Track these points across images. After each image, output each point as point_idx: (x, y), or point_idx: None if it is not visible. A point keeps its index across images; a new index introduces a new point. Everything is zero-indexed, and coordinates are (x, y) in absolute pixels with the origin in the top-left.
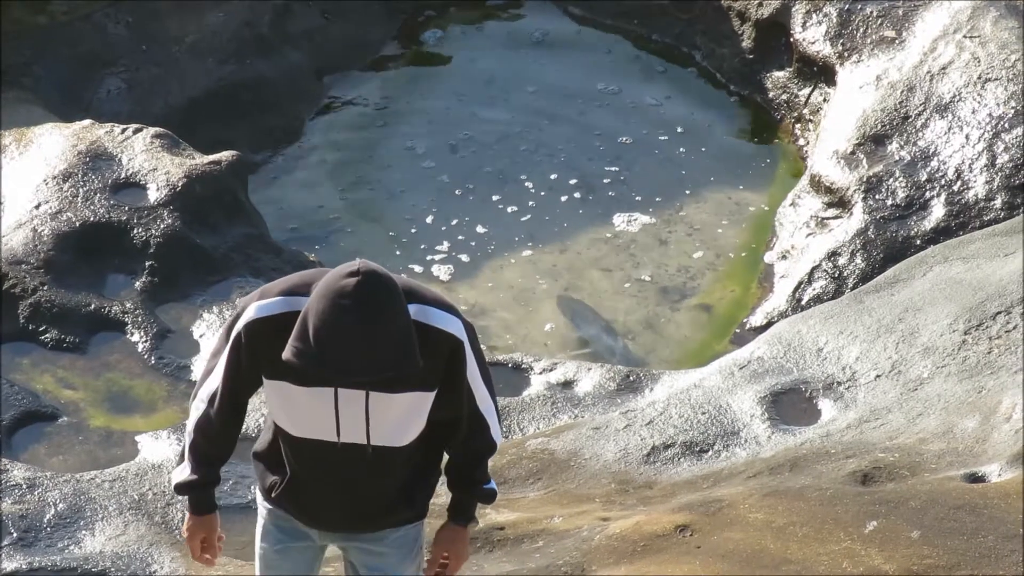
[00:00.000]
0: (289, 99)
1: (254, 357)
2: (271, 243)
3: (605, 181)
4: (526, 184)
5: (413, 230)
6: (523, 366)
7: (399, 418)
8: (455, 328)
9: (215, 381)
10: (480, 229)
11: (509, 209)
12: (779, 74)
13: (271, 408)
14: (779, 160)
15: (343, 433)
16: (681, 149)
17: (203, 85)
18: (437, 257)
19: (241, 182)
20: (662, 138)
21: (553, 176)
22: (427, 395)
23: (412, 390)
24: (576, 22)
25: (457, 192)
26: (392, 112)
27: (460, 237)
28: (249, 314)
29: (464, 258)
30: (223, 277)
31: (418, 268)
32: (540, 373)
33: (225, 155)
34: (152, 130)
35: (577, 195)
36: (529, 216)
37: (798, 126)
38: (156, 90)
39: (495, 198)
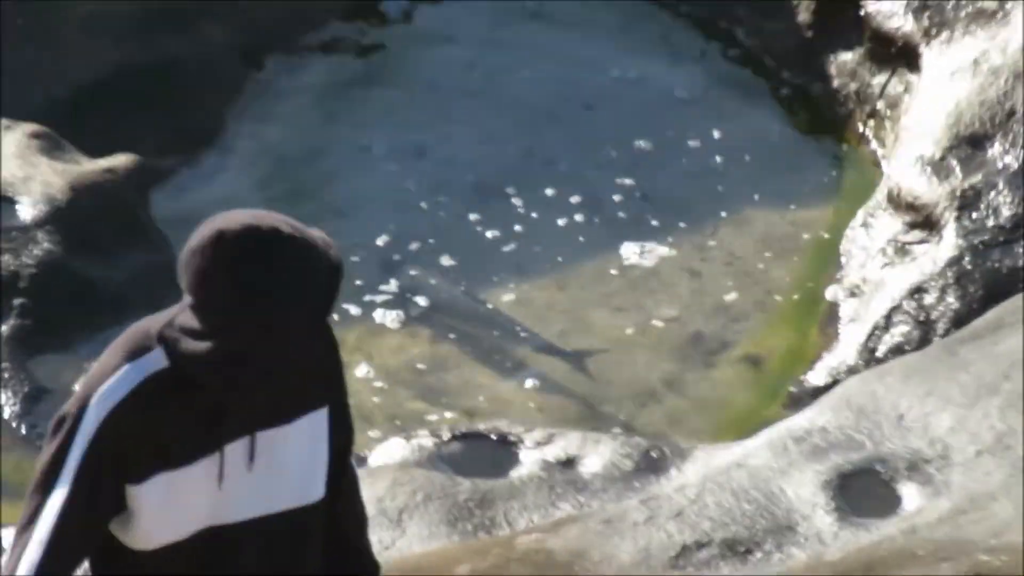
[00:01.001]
0: (207, 88)
1: (121, 463)
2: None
3: (617, 198)
4: (514, 200)
5: (357, 257)
6: (510, 439)
7: (301, 458)
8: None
9: (51, 529)
10: (449, 258)
11: (490, 233)
12: (846, 57)
13: (134, 532)
14: (845, 169)
15: (241, 506)
16: (717, 157)
17: (95, 70)
18: (381, 297)
19: (142, 195)
20: (692, 143)
21: (549, 191)
22: (322, 415)
23: (305, 411)
24: None
25: (423, 206)
26: (342, 104)
27: (418, 268)
28: (98, 409)
29: (420, 301)
30: (117, 320)
31: (355, 310)
32: (533, 447)
33: (122, 160)
34: (27, 127)
35: (581, 216)
36: (517, 242)
37: (870, 124)
38: (34, 77)
39: (472, 217)
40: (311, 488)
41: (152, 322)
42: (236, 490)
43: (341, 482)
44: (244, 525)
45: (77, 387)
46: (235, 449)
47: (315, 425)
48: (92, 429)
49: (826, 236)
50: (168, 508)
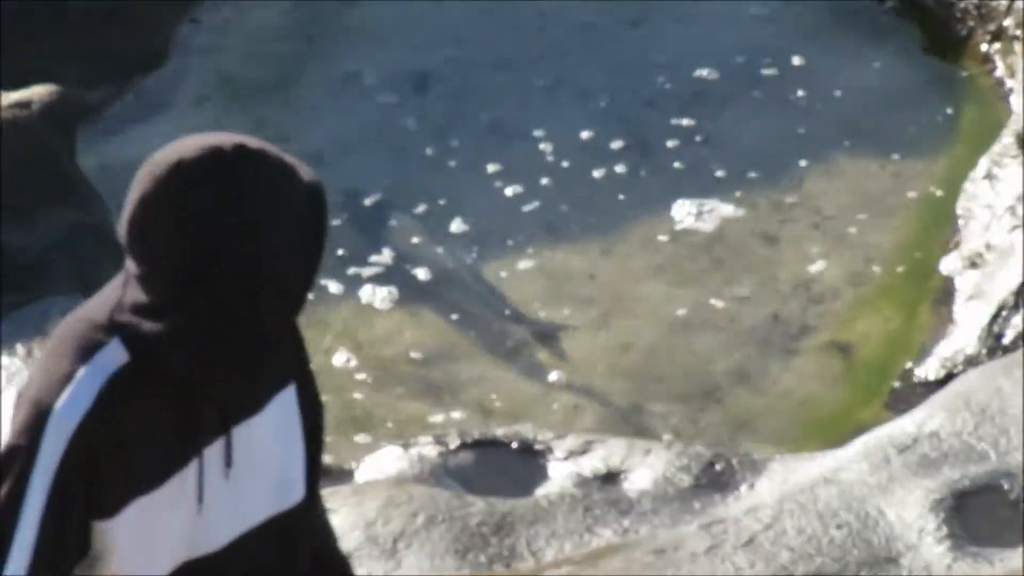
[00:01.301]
0: (140, 1)
1: (92, 496)
2: (114, 237)
3: (671, 142)
4: (541, 144)
5: (339, 220)
6: (535, 447)
7: (274, 454)
8: None
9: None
10: (459, 220)
11: (511, 187)
12: None
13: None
14: (964, 104)
15: (221, 528)
16: (800, 91)
17: None
18: (371, 270)
19: (65, 138)
20: (768, 71)
21: (585, 133)
22: (290, 394)
23: (273, 393)
24: None
25: (427, 153)
26: (322, 20)
27: (418, 233)
28: (58, 433)
29: (419, 274)
30: (37, 294)
31: (336, 287)
32: (564, 458)
33: (39, 92)
34: None
35: (625, 164)
36: (544, 198)
37: (995, 47)
38: None
39: (490, 168)
40: (290, 488)
41: (93, 310)
42: (214, 507)
43: (317, 475)
44: (225, 552)
45: (16, 407)
46: (211, 455)
47: (285, 409)
48: (54, 461)
49: (938, 191)
50: (142, 544)
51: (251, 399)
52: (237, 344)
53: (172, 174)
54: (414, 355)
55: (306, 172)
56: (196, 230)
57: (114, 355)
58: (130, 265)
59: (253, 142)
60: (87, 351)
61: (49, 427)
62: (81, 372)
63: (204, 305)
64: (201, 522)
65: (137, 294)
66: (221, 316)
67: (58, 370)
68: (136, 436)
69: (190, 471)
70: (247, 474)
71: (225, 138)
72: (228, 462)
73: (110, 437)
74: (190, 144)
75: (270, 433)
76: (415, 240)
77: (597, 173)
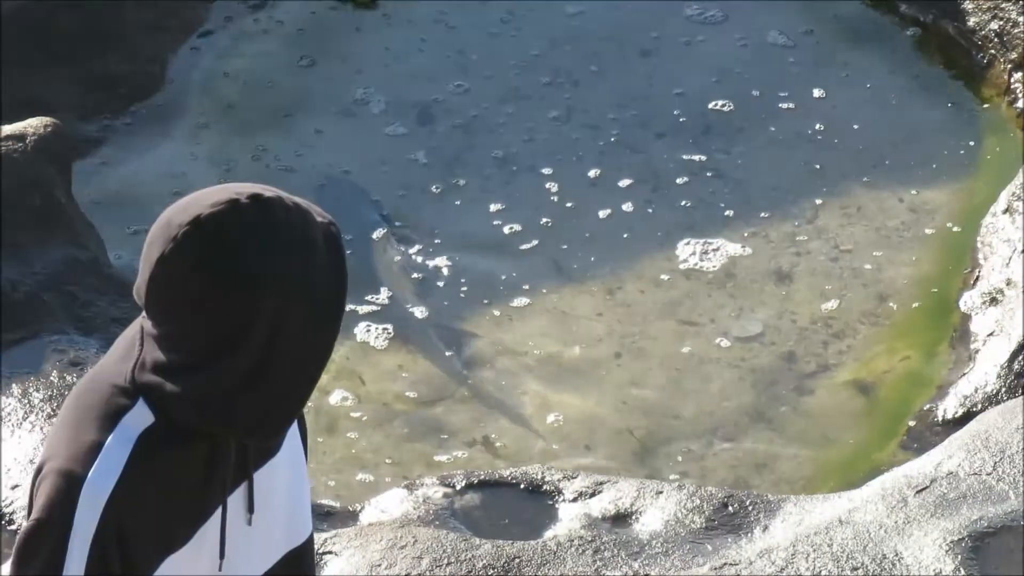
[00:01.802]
0: (144, 28)
1: (128, 566)
2: (110, 273)
3: (683, 176)
4: (549, 180)
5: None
6: (543, 488)
7: (288, 491)
8: None
9: None
10: (465, 257)
11: (517, 224)
12: None
13: None
14: (984, 136)
15: (250, 566)
16: (817, 124)
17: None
18: (369, 308)
19: (61, 171)
20: (784, 104)
21: (595, 168)
22: (294, 429)
23: (286, 432)
24: None
25: (433, 188)
26: (326, 46)
27: (419, 269)
28: (92, 504)
29: (419, 312)
30: (29, 333)
31: None
32: (574, 500)
33: (33, 124)
34: None
35: (635, 199)
36: (553, 234)
37: (1017, 76)
38: None
39: (496, 205)
40: (302, 524)
41: (111, 372)
42: (236, 553)
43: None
44: None
45: (42, 478)
46: (234, 502)
47: (293, 444)
48: (90, 532)
49: (958, 226)
50: None
51: (272, 443)
52: (265, 401)
53: (190, 232)
54: (416, 393)
55: (320, 215)
56: (219, 288)
57: (139, 418)
58: (149, 324)
59: (268, 191)
60: (112, 417)
61: (82, 499)
62: (109, 440)
63: (229, 363)
64: (225, 568)
65: (157, 353)
66: (248, 373)
67: (85, 439)
68: (165, 495)
69: (213, 521)
70: (265, 516)
71: (239, 189)
72: (250, 507)
73: (141, 501)
74: (204, 199)
75: (286, 472)
76: (416, 276)
77: (606, 209)
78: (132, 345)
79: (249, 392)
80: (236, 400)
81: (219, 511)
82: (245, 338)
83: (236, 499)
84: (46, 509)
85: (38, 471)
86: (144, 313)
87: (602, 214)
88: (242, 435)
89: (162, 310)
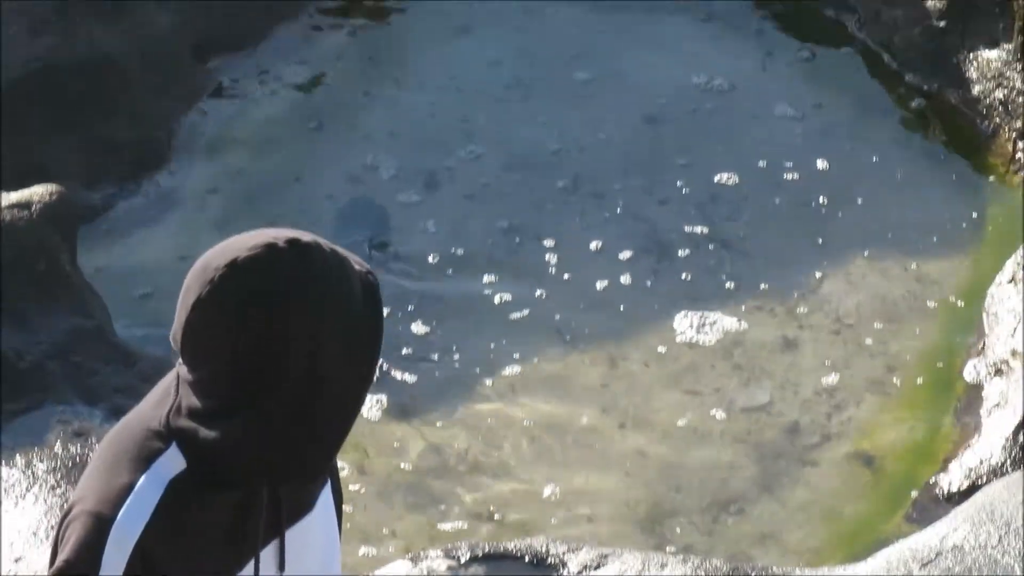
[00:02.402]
0: (150, 93)
1: None
2: (115, 342)
3: (687, 246)
4: (549, 253)
5: None
6: (549, 560)
7: (321, 547)
8: None
9: None
10: (467, 328)
11: (521, 294)
12: (990, 55)
13: None
14: (989, 205)
15: None
16: (821, 197)
17: (3, 71)
18: (388, 367)
19: (67, 239)
20: (790, 176)
21: (595, 242)
22: (327, 488)
23: (322, 488)
24: None
25: (434, 260)
26: (333, 112)
27: (420, 342)
28: (120, 547)
29: (436, 372)
30: (33, 403)
31: None
32: (579, 572)
33: (39, 192)
34: None
35: (640, 269)
36: (557, 303)
37: (1022, 144)
38: None
39: (500, 275)
40: (335, 564)
41: (146, 417)
42: None
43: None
44: None
45: (73, 519)
46: (265, 557)
47: (326, 504)
48: (117, 575)
49: (963, 296)
50: None
51: (301, 500)
52: (298, 448)
53: (227, 275)
54: (419, 465)
55: (358, 263)
56: (255, 331)
57: (172, 462)
58: (183, 370)
59: (305, 236)
60: (145, 460)
61: (111, 541)
62: (140, 482)
63: (264, 409)
64: None
65: (192, 399)
66: (282, 419)
67: (117, 481)
68: (195, 542)
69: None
70: (296, 573)
71: (276, 234)
72: (281, 565)
73: (170, 545)
74: (241, 243)
75: (318, 532)
76: (418, 348)
77: (612, 280)
78: (168, 391)
79: (283, 439)
80: (269, 447)
81: (251, 565)
82: (280, 384)
83: (267, 555)
84: (75, 550)
85: (66, 514)
86: (180, 359)
87: (603, 284)
88: (274, 483)
89: (198, 355)
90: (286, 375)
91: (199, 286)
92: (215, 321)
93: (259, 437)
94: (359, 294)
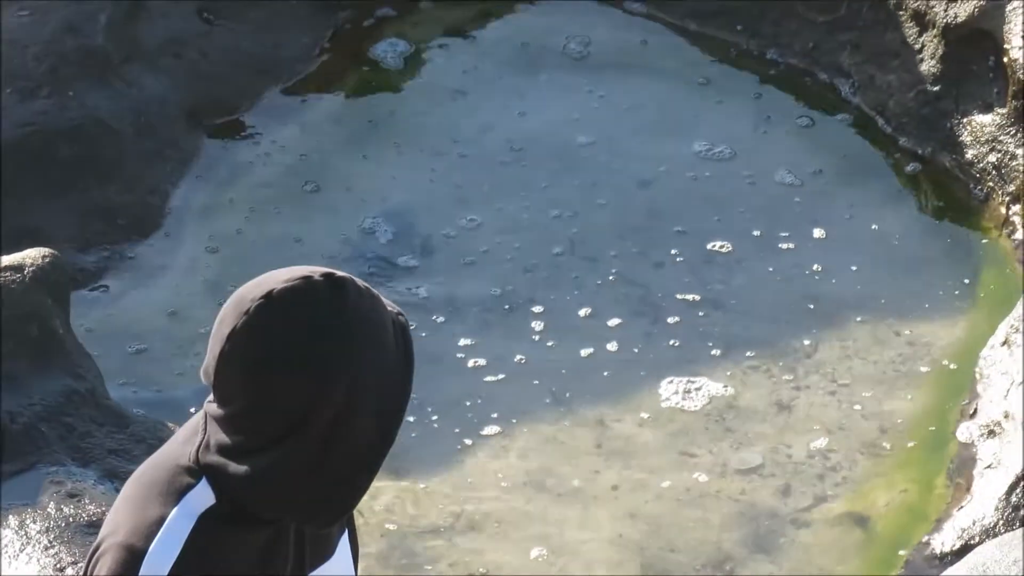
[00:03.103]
0: (143, 157)
1: None
2: (108, 404)
3: (679, 310)
4: (538, 318)
5: None
6: None
7: None
8: None
9: None
10: (460, 396)
11: (514, 355)
12: (983, 119)
13: None
14: (982, 269)
15: None
16: (816, 265)
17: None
18: None
19: (58, 301)
20: (784, 245)
21: (585, 309)
22: (345, 537)
23: (343, 533)
24: (642, 28)
25: (436, 319)
26: (326, 174)
27: (422, 393)
28: (155, 571)
29: (423, 431)
30: (27, 465)
31: None
32: None
33: (32, 256)
34: None
35: (632, 332)
36: (549, 367)
37: (1016, 208)
38: None
39: (492, 343)
40: None
41: (175, 453)
42: None
43: None
44: None
45: (104, 553)
46: None
47: (344, 553)
48: None
49: (955, 358)
50: None
51: (324, 542)
52: (327, 487)
53: (263, 306)
54: (416, 527)
55: (390, 304)
56: (290, 363)
57: (202, 497)
58: (212, 407)
59: (339, 272)
60: (176, 494)
61: (143, 572)
62: (172, 515)
63: (295, 445)
64: None
65: (221, 435)
66: (313, 457)
67: (148, 514)
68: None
69: None
70: None
71: (311, 269)
72: None
73: None
74: (277, 276)
75: (339, 565)
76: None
77: (604, 343)
78: (196, 428)
79: (312, 476)
80: (299, 484)
81: None
82: (314, 418)
83: None
84: None
85: (95, 548)
86: (210, 396)
87: (595, 347)
88: (302, 520)
89: (230, 388)
90: (321, 409)
91: (234, 318)
92: (250, 352)
93: (289, 474)
94: (391, 332)
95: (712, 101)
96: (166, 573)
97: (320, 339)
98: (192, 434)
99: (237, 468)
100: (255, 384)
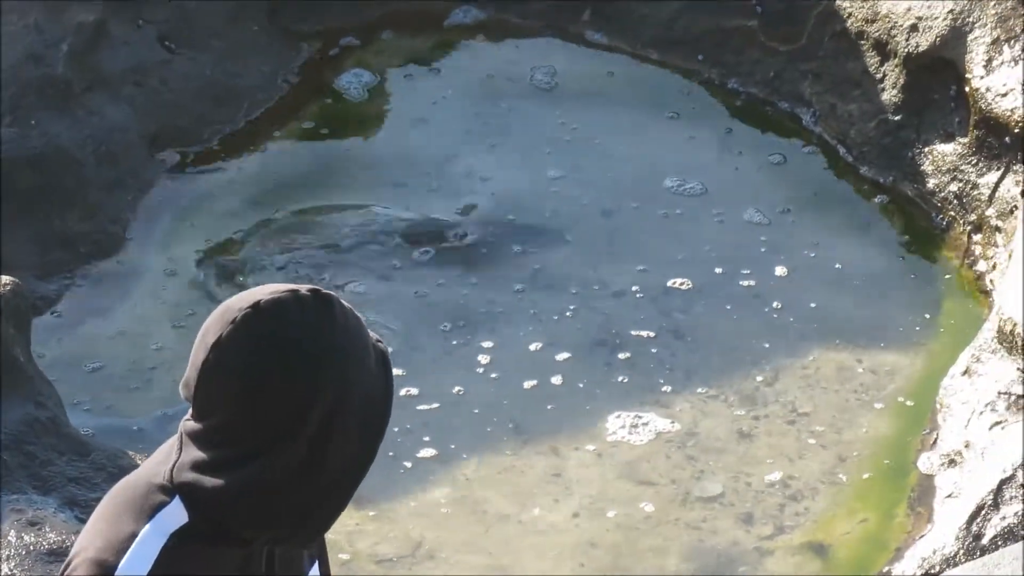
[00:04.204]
0: (104, 186)
1: None
2: (69, 432)
3: (642, 341)
4: (486, 342)
5: None
6: None
7: None
8: None
9: None
10: (417, 422)
11: (469, 382)
12: (945, 148)
13: None
14: (944, 298)
15: None
16: (775, 303)
17: None
18: None
19: (19, 328)
20: (746, 283)
21: (538, 344)
22: (315, 568)
23: (312, 559)
24: (605, 59)
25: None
26: (284, 204)
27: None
28: None
29: (376, 471)
30: None
31: None
32: None
33: None
34: None
35: (591, 362)
36: (508, 394)
37: (977, 238)
38: None
39: (448, 372)
40: None
41: (150, 471)
42: None
43: None
44: None
45: (75, 568)
46: None
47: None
48: None
49: (917, 388)
50: None
51: (299, 570)
52: (302, 505)
53: (250, 314)
54: (379, 553)
55: (371, 332)
56: (276, 371)
57: (175, 515)
58: (189, 424)
59: (324, 289)
60: (149, 511)
61: None
62: (143, 532)
63: (275, 460)
64: None
65: (196, 452)
66: (291, 473)
67: (120, 530)
68: None
69: None
70: None
71: (297, 285)
72: None
73: None
74: (263, 290)
75: None
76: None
77: (562, 373)
78: (172, 448)
79: (293, 490)
80: (279, 497)
81: None
82: (297, 429)
83: None
84: None
85: (67, 565)
86: (187, 414)
87: (553, 378)
88: (279, 536)
89: (212, 399)
90: (305, 420)
91: (219, 327)
92: (235, 361)
93: (270, 486)
94: (373, 355)
95: (684, 135)
96: None
97: (308, 349)
98: (168, 454)
99: (212, 482)
100: (239, 393)
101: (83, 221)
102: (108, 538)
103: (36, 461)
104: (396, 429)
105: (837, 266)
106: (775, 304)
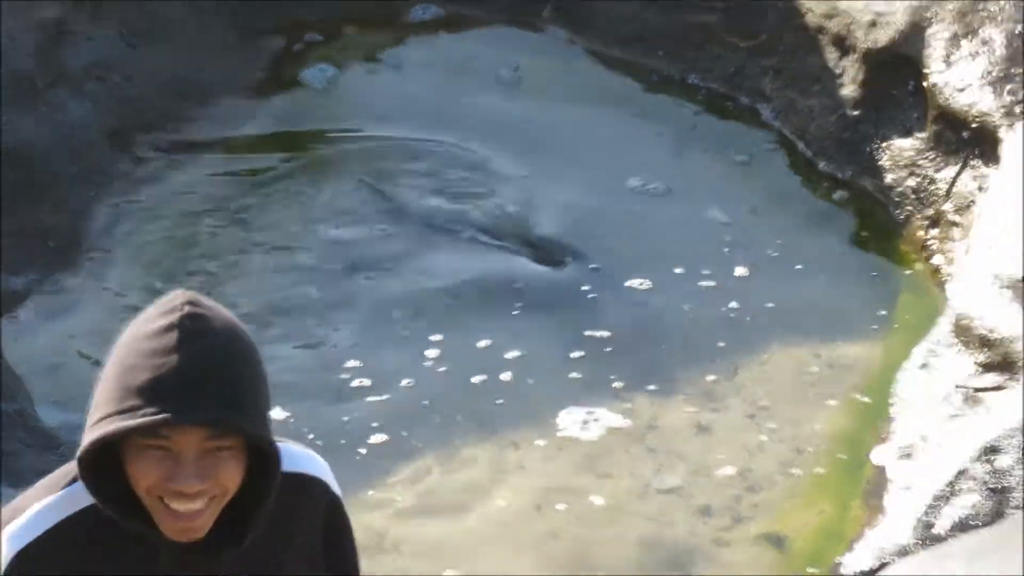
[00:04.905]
0: (70, 181)
1: None
2: (38, 428)
3: (604, 347)
4: (478, 335)
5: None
6: None
7: None
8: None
9: None
10: (385, 397)
11: (441, 377)
12: (903, 143)
13: None
14: (900, 290)
15: None
16: (733, 303)
17: None
18: None
19: None
20: (705, 284)
21: (507, 334)
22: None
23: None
24: (565, 54)
25: (333, 346)
26: (252, 202)
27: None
28: (6, 550)
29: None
30: None
31: None
32: None
33: None
34: None
35: (551, 356)
36: (486, 390)
37: (934, 232)
38: None
39: (350, 367)
40: None
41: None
42: None
43: None
44: None
45: None
46: None
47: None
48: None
49: (873, 381)
50: None
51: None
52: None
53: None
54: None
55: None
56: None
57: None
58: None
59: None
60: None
61: (4, 540)
62: (45, 503)
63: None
64: None
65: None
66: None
67: (24, 502)
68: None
69: None
70: None
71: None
72: None
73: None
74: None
75: None
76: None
77: (520, 367)
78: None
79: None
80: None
81: None
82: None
83: None
84: None
85: None
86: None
87: (509, 373)
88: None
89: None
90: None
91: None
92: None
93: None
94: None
95: (646, 132)
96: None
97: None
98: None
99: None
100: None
101: (50, 215)
102: (14, 506)
103: (4, 455)
104: (345, 419)
105: (796, 263)
106: (733, 302)
